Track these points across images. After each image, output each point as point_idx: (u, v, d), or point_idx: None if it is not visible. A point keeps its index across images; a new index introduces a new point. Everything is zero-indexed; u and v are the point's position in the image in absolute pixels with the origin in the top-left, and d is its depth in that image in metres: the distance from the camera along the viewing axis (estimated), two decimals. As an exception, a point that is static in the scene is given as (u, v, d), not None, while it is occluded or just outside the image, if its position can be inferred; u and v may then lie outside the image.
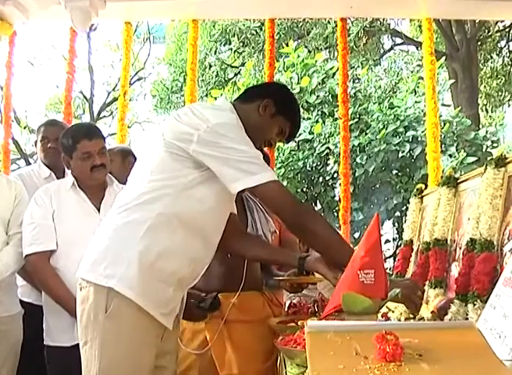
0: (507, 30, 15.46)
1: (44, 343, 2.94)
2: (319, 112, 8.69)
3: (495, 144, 8.89)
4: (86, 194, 3.01)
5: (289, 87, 8.59)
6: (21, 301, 3.13)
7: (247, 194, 2.84)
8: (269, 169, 2.13)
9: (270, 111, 2.33)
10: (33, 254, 2.88)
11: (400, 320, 2.61)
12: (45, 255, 2.90)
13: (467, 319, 2.12)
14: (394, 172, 8.12)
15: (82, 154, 2.96)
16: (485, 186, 2.37)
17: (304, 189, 8.56)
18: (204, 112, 2.15)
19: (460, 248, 2.62)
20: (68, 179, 3.07)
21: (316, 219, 2.20)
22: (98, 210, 2.99)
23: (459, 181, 2.93)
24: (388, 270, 4.99)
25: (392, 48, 16.67)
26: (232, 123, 2.16)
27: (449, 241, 2.83)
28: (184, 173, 2.12)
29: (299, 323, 2.42)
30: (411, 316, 2.59)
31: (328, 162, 8.13)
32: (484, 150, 8.16)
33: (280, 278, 2.80)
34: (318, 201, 8.54)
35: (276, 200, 2.14)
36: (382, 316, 2.65)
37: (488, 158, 2.49)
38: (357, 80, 10.22)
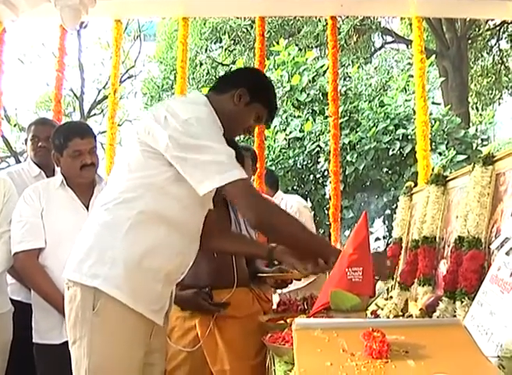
0: (498, 28, 15.53)
1: (33, 340, 2.93)
2: (310, 111, 8.70)
3: (485, 143, 8.93)
4: (75, 193, 3.00)
5: (279, 85, 8.61)
6: (10, 300, 3.12)
7: None
8: (238, 167, 2.08)
9: (245, 99, 2.31)
10: (21, 252, 2.87)
11: (388, 318, 2.62)
12: (34, 253, 2.89)
13: (455, 316, 2.13)
14: (384, 170, 8.15)
15: (73, 152, 2.95)
16: (473, 184, 2.38)
17: (295, 187, 8.57)
18: (175, 108, 2.13)
19: (449, 246, 2.64)
20: (57, 177, 3.06)
21: (281, 217, 2.19)
22: (87, 208, 2.99)
23: (447, 179, 2.95)
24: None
25: (382, 46, 16.72)
26: (203, 117, 2.13)
27: (437, 239, 2.84)
28: (160, 171, 2.10)
29: (288, 320, 2.43)
30: (400, 313, 2.61)
31: (319, 160, 8.15)
32: (474, 148, 8.19)
33: (264, 275, 2.81)
34: (308, 199, 8.54)
35: (241, 199, 2.10)
36: (372, 314, 2.66)
37: (476, 157, 2.50)
38: (347, 78, 10.22)
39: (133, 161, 2.17)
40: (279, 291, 4.25)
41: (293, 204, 5.20)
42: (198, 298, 2.65)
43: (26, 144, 3.73)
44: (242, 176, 2.05)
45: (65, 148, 2.96)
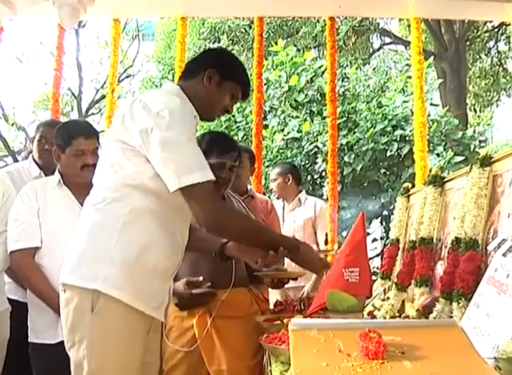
0: (496, 30, 15.55)
1: (29, 340, 2.92)
2: (308, 111, 8.69)
3: (482, 144, 8.94)
4: (71, 192, 3.00)
5: (277, 85, 8.61)
6: (7, 299, 3.11)
7: (229, 191, 2.86)
8: (203, 168, 2.06)
9: (215, 80, 2.29)
10: (17, 250, 2.86)
11: (385, 318, 2.62)
12: (30, 252, 2.88)
13: (451, 317, 2.13)
14: (382, 171, 8.14)
15: (76, 150, 2.95)
16: (471, 185, 2.38)
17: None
18: (147, 101, 2.11)
19: (446, 247, 2.64)
20: (54, 176, 3.05)
21: (231, 217, 2.20)
22: None
23: (445, 180, 2.95)
24: (375, 269, 5.01)
25: (381, 48, 16.74)
26: (176, 108, 2.09)
27: (434, 240, 2.84)
28: (143, 168, 2.08)
29: (284, 320, 2.43)
30: (397, 314, 2.60)
31: (317, 160, 8.13)
32: (471, 150, 8.19)
33: (260, 273, 2.80)
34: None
35: (197, 202, 2.08)
36: (368, 314, 2.66)
37: (474, 158, 2.50)
38: (345, 79, 10.22)
39: (115, 160, 2.15)
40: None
41: (319, 204, 5.22)
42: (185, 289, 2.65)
43: (32, 142, 3.71)
44: (204, 178, 2.02)
45: (69, 146, 2.96)
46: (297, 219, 5.00)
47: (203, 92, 2.29)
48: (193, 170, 2.01)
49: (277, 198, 5.22)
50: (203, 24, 14.03)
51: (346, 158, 7.85)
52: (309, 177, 8.41)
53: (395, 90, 8.91)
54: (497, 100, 17.86)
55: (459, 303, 2.12)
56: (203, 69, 2.30)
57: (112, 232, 2.07)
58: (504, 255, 1.75)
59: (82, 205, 2.95)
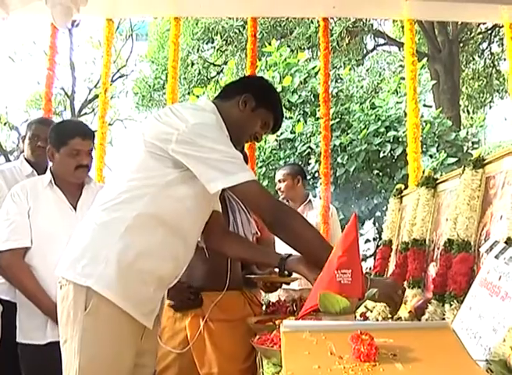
0: (489, 32, 15.61)
1: (17, 340, 2.91)
2: (301, 112, 8.70)
3: (475, 146, 8.96)
4: (63, 192, 2.99)
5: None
6: (-1, 299, 3.11)
7: (229, 194, 2.83)
8: (248, 169, 2.11)
9: (250, 105, 2.32)
10: (7, 250, 2.86)
11: (377, 320, 2.61)
12: (20, 252, 2.88)
13: (443, 319, 2.13)
14: (375, 172, 8.16)
15: (71, 150, 2.95)
16: (463, 187, 2.38)
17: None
18: (184, 113, 2.14)
19: (438, 249, 2.63)
20: (45, 176, 3.04)
21: (296, 218, 2.18)
22: (75, 208, 2.98)
23: (438, 182, 2.94)
24: (368, 270, 5.01)
25: (374, 49, 16.78)
26: (212, 123, 2.14)
27: (427, 242, 2.84)
28: (164, 172, 2.10)
29: (276, 322, 2.42)
30: (389, 316, 2.60)
31: (310, 161, 8.14)
32: (464, 151, 8.21)
33: (253, 276, 2.79)
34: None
35: (256, 199, 2.12)
36: (361, 316, 2.65)
37: (467, 160, 2.50)
38: (339, 80, 10.23)
39: (135, 162, 2.16)
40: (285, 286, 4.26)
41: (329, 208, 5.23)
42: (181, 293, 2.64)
43: (23, 141, 3.69)
44: (253, 177, 2.09)
45: (64, 146, 2.96)
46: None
47: (237, 115, 2.31)
48: (242, 170, 2.07)
49: (283, 199, 5.20)
50: (196, 24, 14.02)
51: (339, 160, 7.87)
52: (302, 178, 8.40)
53: (388, 91, 8.94)
54: (490, 101, 17.93)
55: (451, 305, 2.11)
56: (240, 92, 2.34)
57: (114, 233, 2.07)
58: (496, 257, 1.75)
59: (73, 205, 2.97)
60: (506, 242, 1.84)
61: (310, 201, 5.20)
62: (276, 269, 2.44)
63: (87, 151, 2.99)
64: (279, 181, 5.22)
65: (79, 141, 2.96)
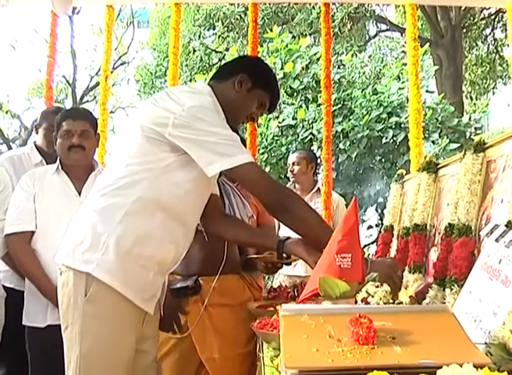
0: (492, 17, 15.53)
1: (23, 322, 2.95)
2: (303, 98, 8.67)
3: (478, 132, 8.92)
4: (69, 178, 3.03)
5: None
6: (2, 286, 3.12)
7: (224, 178, 2.82)
8: (246, 152, 2.11)
9: (246, 86, 2.31)
10: (13, 234, 2.93)
11: (378, 304, 2.61)
12: (25, 236, 2.94)
13: (444, 303, 2.13)
14: (377, 158, 8.13)
15: (63, 131, 3.03)
16: (464, 171, 2.37)
17: (287, 175, 8.55)
18: (180, 96, 2.13)
19: (439, 233, 2.63)
20: (55, 163, 3.08)
21: (297, 201, 2.18)
22: (80, 194, 3.00)
23: (439, 167, 2.93)
24: (369, 256, 5.01)
25: (376, 35, 16.71)
26: (209, 106, 2.14)
27: (428, 226, 2.83)
28: (161, 156, 2.10)
29: (277, 307, 2.42)
30: (390, 300, 2.60)
31: (312, 147, 8.11)
32: (467, 137, 8.18)
33: (253, 256, 2.79)
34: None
35: (255, 181, 2.12)
36: (362, 301, 2.66)
37: (468, 144, 2.49)
38: (341, 66, 10.19)
39: (133, 147, 2.16)
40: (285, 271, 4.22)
41: (336, 198, 5.22)
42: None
43: (36, 130, 3.67)
44: (251, 159, 2.08)
45: (60, 128, 3.04)
46: (318, 211, 4.95)
47: (232, 96, 2.30)
48: (240, 152, 2.06)
49: (292, 182, 5.19)
50: (197, 11, 13.95)
51: (341, 146, 7.84)
52: (304, 164, 8.39)
53: (390, 77, 8.89)
54: (493, 87, 17.88)
55: (452, 289, 2.11)
56: (236, 73, 2.32)
57: (112, 219, 2.07)
58: (497, 240, 1.74)
59: (79, 191, 3.00)
60: (506, 225, 1.84)
61: (318, 189, 5.18)
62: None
63: (79, 131, 3.03)
64: (293, 163, 5.20)
65: (70, 122, 3.03)
